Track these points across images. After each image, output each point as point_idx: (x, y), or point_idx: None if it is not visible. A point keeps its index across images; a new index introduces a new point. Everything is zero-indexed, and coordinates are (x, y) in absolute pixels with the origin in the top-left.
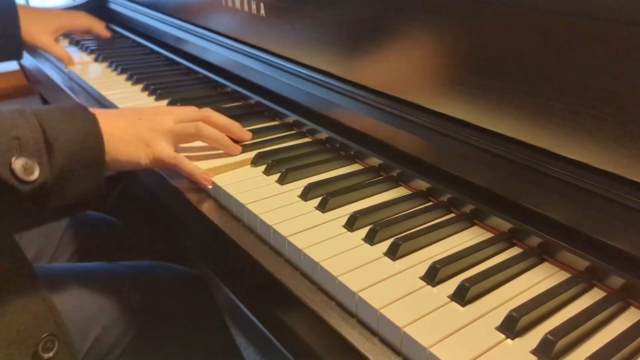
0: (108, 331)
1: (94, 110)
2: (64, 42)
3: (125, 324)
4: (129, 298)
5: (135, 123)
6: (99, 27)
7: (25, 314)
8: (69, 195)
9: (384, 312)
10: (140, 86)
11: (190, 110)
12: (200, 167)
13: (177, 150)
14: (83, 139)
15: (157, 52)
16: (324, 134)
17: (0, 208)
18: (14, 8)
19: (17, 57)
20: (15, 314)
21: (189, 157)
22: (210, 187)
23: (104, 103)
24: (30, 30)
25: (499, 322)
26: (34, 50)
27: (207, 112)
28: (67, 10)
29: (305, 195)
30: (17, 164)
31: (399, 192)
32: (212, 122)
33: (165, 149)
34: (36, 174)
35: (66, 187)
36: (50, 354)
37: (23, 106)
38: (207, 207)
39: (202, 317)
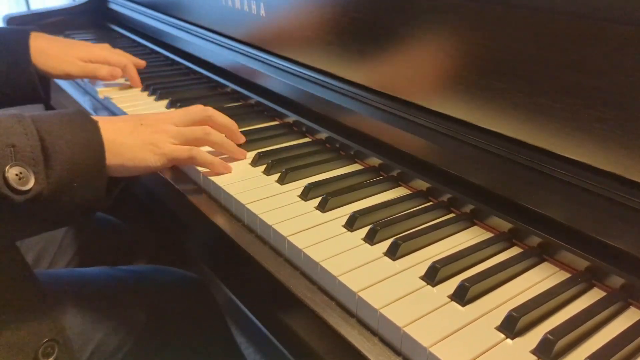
0: (109, 337)
1: (98, 118)
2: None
3: (127, 330)
4: (130, 303)
5: (138, 128)
6: (134, 62)
7: (25, 320)
8: (67, 206)
9: (384, 312)
10: (139, 86)
11: (192, 111)
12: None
13: None
14: (83, 148)
15: (157, 52)
16: (324, 134)
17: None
18: (25, 44)
19: (40, 100)
20: (15, 319)
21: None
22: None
23: (103, 103)
24: (55, 61)
25: (499, 322)
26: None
27: (209, 110)
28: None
29: (305, 195)
30: (11, 172)
31: (399, 192)
32: (214, 121)
33: (176, 146)
34: (31, 183)
35: (64, 198)
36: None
37: (22, 111)
38: (207, 207)
39: (204, 321)
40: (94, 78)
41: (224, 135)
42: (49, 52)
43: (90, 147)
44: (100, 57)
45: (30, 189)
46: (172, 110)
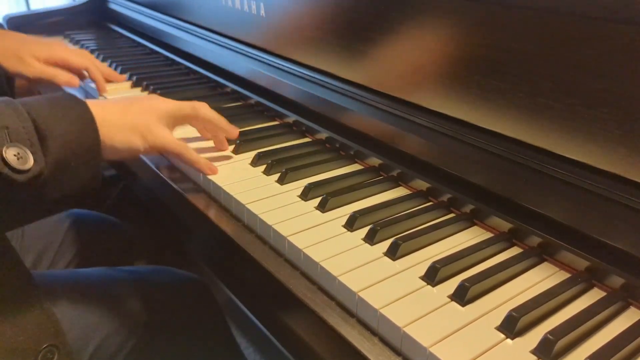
0: (109, 339)
1: (90, 101)
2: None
3: (127, 331)
4: (130, 304)
5: (129, 108)
6: (110, 74)
7: (25, 325)
8: (67, 186)
9: (384, 312)
10: (140, 86)
11: (183, 102)
12: (204, 158)
13: None
14: (76, 128)
15: (157, 52)
16: (324, 134)
17: None
18: None
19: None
20: (15, 324)
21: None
22: (216, 175)
23: None
24: (10, 61)
25: (499, 322)
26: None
27: (198, 103)
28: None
29: (305, 195)
30: (9, 153)
31: (399, 192)
32: (203, 118)
33: (167, 135)
34: (30, 162)
35: (64, 177)
36: None
37: (10, 98)
38: (206, 207)
39: (205, 321)
40: (50, 84)
41: (211, 110)
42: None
43: (82, 126)
44: (61, 58)
45: (30, 169)
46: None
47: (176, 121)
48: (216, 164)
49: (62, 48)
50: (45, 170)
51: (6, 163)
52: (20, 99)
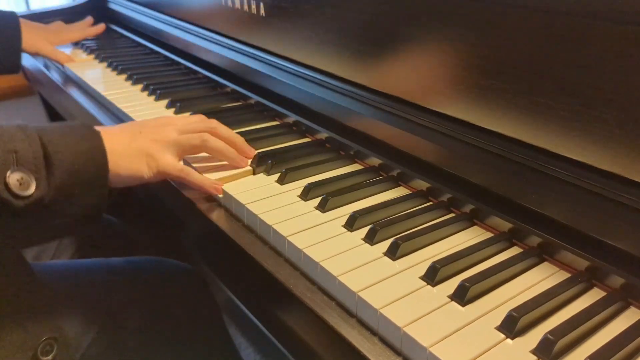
0: (106, 330)
1: (99, 128)
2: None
3: (124, 321)
4: (127, 294)
5: (137, 137)
6: (91, 30)
7: (24, 318)
8: (69, 213)
9: (384, 312)
10: (140, 86)
11: (195, 120)
12: (209, 178)
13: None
14: (85, 156)
15: (157, 52)
16: (324, 134)
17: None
18: (17, 24)
19: (15, 71)
20: (14, 318)
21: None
22: (221, 195)
23: (103, 103)
24: (31, 41)
25: (499, 322)
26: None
27: (213, 122)
28: (59, 24)
29: (305, 195)
30: (13, 178)
31: (399, 192)
32: (217, 133)
33: (170, 161)
34: (32, 189)
35: (66, 204)
36: (49, 357)
37: (17, 117)
38: (207, 207)
39: (201, 313)
40: (56, 61)
41: (220, 141)
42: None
43: (92, 156)
44: (65, 40)
45: (32, 195)
46: (176, 116)
47: (184, 152)
48: (216, 164)
49: (64, 33)
50: (46, 196)
51: (7, 188)
52: (35, 125)
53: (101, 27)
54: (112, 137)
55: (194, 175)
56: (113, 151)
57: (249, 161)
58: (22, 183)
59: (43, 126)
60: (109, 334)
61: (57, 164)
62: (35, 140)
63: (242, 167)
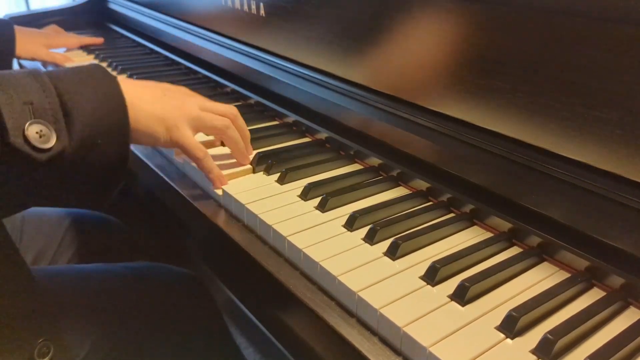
0: (106, 334)
1: (122, 80)
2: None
3: (123, 326)
4: (126, 300)
5: (160, 98)
6: (87, 39)
7: (21, 319)
8: (93, 166)
9: (383, 311)
10: None
11: (219, 104)
12: (218, 170)
13: None
14: (104, 104)
15: (157, 52)
16: (324, 134)
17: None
18: (11, 32)
19: None
20: (10, 319)
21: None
22: (220, 193)
23: None
24: (26, 47)
25: (498, 322)
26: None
27: (235, 110)
28: (54, 28)
29: (305, 195)
30: (31, 130)
31: (399, 192)
32: (236, 122)
33: (191, 137)
34: (53, 141)
35: (89, 156)
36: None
37: (37, 69)
38: (207, 207)
39: (201, 318)
40: (53, 64)
41: (238, 135)
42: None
43: (112, 103)
44: (60, 44)
45: (52, 147)
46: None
47: (204, 129)
48: (218, 163)
49: (60, 37)
50: (68, 148)
51: (27, 141)
52: (48, 71)
53: (99, 39)
54: (132, 88)
55: (209, 161)
56: (133, 105)
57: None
58: (42, 136)
59: (56, 72)
60: (108, 340)
61: (76, 114)
62: (51, 90)
63: (245, 165)
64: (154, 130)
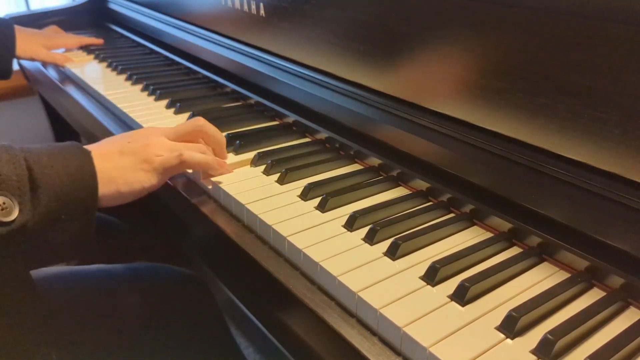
0: (107, 336)
1: (87, 146)
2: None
3: (124, 328)
4: (128, 301)
5: (126, 147)
6: (87, 39)
7: (22, 327)
8: (54, 240)
9: (383, 311)
10: (139, 86)
11: (183, 124)
12: (212, 156)
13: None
14: (74, 179)
15: (157, 52)
16: (323, 134)
17: None
18: (12, 32)
19: (6, 77)
20: (12, 327)
21: None
22: (230, 173)
23: (103, 103)
24: (25, 47)
25: (498, 322)
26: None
27: (200, 120)
28: (54, 29)
29: (305, 195)
30: None
31: (399, 192)
32: (206, 132)
33: (164, 157)
34: (15, 214)
35: (51, 231)
36: None
37: (11, 144)
38: (207, 207)
39: (202, 319)
40: (54, 64)
41: (208, 151)
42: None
43: (81, 178)
44: (60, 44)
45: (14, 220)
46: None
47: (180, 139)
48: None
49: (59, 38)
50: (30, 222)
51: None
52: (22, 146)
53: (99, 40)
54: (100, 153)
55: (197, 156)
56: (105, 168)
57: (251, 154)
58: (4, 208)
59: (30, 147)
60: (109, 342)
61: (43, 187)
62: (20, 162)
63: (228, 172)
64: (134, 179)
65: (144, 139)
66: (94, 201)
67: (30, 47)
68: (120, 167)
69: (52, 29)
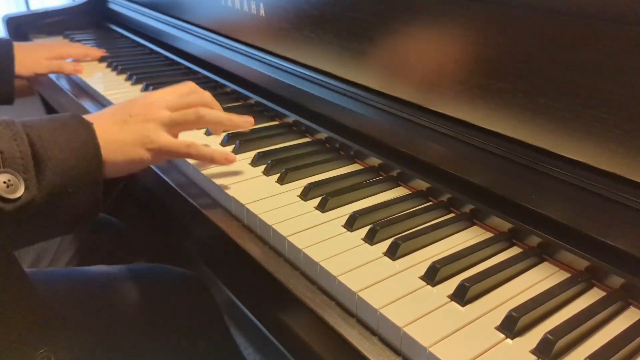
0: (107, 337)
1: (88, 116)
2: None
3: (125, 329)
4: (128, 302)
5: (128, 120)
6: (94, 50)
7: (22, 332)
8: (63, 214)
9: (383, 311)
10: (140, 86)
11: (185, 91)
12: (217, 149)
13: None
14: (77, 152)
15: (157, 52)
16: (323, 134)
17: None
18: (9, 52)
19: (8, 102)
20: (11, 332)
21: None
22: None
23: (103, 103)
24: (25, 64)
25: (498, 322)
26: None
27: (206, 95)
28: (59, 41)
29: (305, 195)
30: None
31: (399, 192)
32: (205, 101)
33: (170, 139)
34: (20, 191)
35: (58, 206)
36: None
37: (14, 117)
38: (206, 207)
39: (202, 319)
40: (60, 73)
41: (217, 111)
42: (19, 58)
43: (85, 150)
44: (63, 54)
45: (20, 197)
46: (165, 89)
47: (181, 128)
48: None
49: (61, 45)
50: (37, 198)
51: None
52: (23, 120)
53: (102, 51)
54: (102, 125)
55: (201, 149)
56: (106, 141)
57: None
58: (10, 185)
59: (32, 121)
60: (109, 342)
61: (48, 163)
62: (23, 138)
63: (248, 128)
64: (133, 154)
65: (147, 113)
66: (99, 173)
67: (30, 63)
68: (121, 140)
69: (60, 41)
